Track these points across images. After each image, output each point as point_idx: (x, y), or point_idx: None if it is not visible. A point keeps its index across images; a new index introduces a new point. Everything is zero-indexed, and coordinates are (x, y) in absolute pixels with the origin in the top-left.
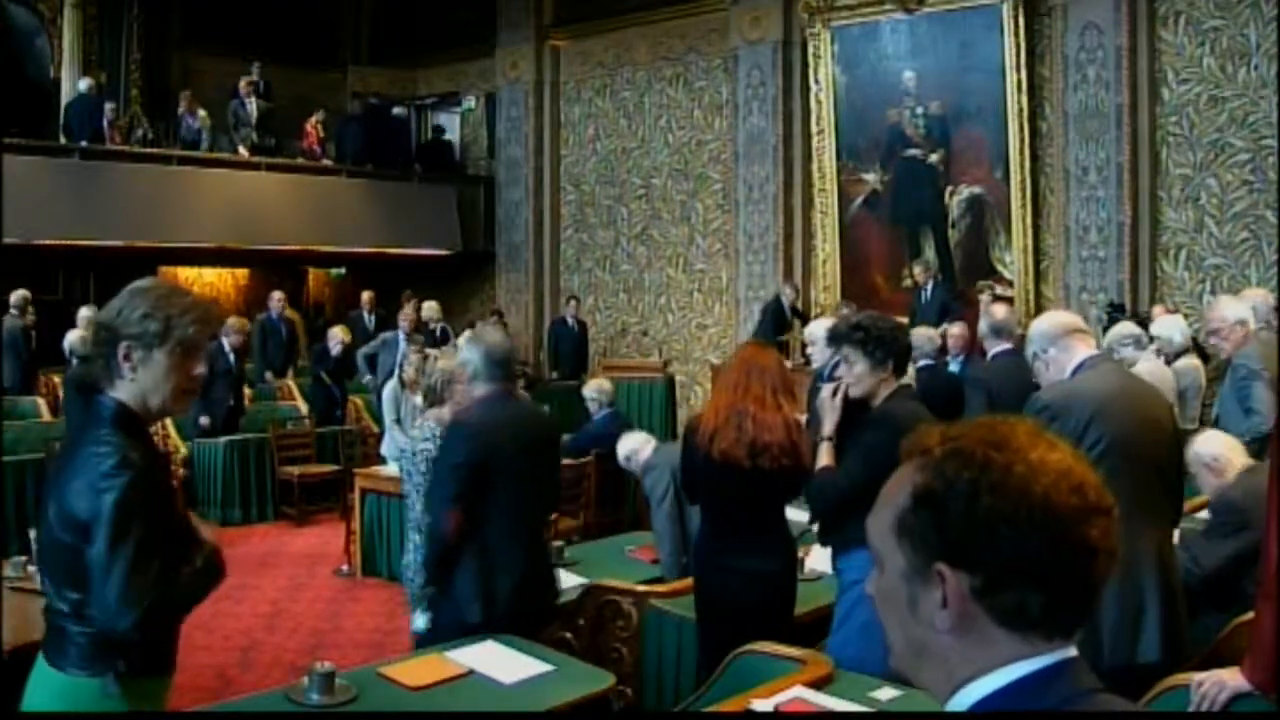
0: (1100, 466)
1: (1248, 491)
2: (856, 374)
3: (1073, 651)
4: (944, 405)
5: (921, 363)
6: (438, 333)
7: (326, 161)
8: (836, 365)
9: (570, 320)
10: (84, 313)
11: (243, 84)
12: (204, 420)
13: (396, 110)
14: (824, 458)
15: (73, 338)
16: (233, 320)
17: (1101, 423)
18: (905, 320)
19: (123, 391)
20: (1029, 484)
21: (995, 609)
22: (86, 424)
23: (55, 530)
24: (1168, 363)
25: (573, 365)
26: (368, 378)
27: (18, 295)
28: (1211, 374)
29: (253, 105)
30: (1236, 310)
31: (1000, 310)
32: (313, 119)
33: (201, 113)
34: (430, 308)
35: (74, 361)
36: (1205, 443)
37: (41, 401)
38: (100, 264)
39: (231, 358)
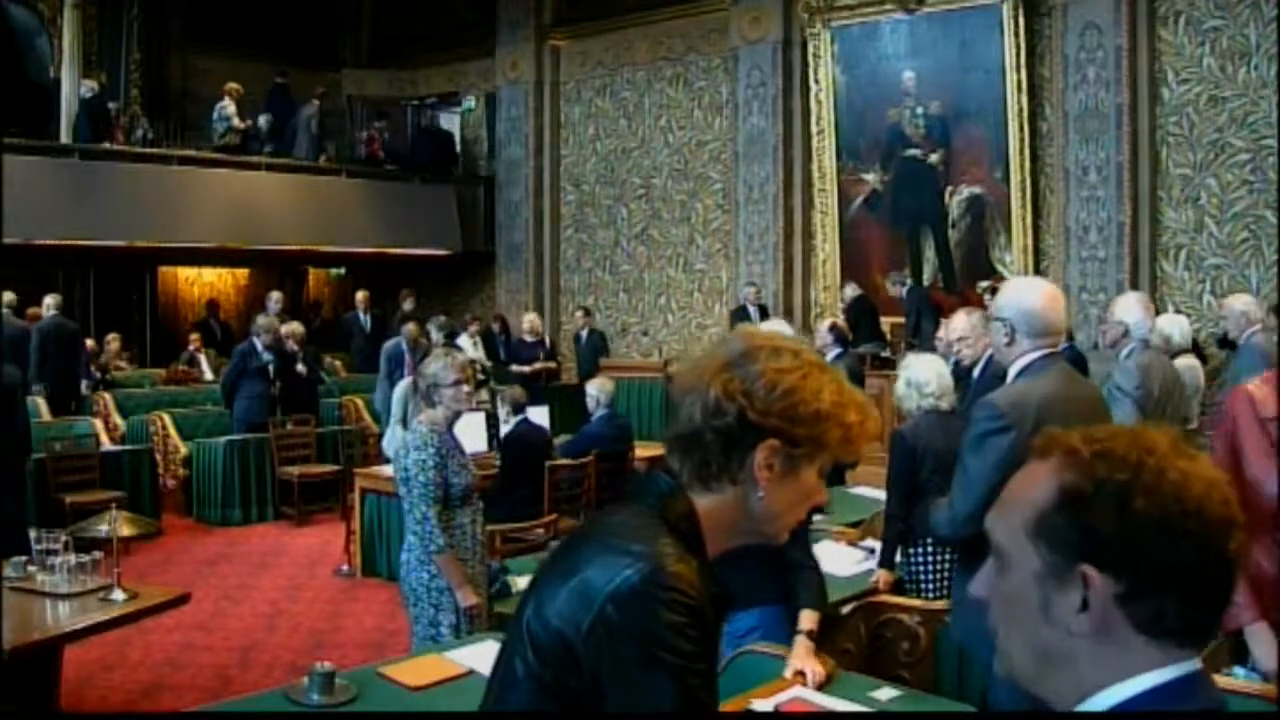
0: None
1: None
2: None
3: (1198, 664)
4: None
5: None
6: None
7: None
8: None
9: (583, 335)
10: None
11: (313, 103)
12: None
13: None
14: None
15: None
16: (262, 320)
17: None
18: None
19: (715, 501)
20: (1182, 490)
21: (1135, 615)
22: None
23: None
24: None
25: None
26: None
27: (9, 297)
28: (1210, 374)
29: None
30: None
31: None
32: (375, 125)
33: (232, 108)
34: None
35: None
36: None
37: (41, 401)
38: (100, 264)
39: (265, 356)
